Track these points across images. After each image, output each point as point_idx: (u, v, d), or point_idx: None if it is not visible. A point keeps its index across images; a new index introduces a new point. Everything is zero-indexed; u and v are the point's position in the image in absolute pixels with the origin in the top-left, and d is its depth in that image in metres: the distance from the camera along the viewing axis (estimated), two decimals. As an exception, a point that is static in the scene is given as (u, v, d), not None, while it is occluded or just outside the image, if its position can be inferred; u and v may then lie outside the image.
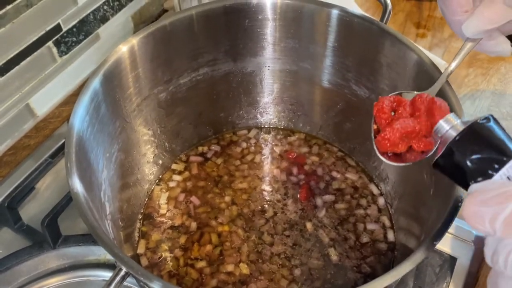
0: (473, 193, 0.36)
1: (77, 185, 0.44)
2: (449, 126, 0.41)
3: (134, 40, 0.56)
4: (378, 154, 0.47)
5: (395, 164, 0.47)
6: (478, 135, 0.38)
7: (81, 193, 0.43)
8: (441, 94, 0.53)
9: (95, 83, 0.51)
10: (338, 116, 0.72)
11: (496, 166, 0.36)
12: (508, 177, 0.36)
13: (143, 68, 0.59)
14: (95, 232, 0.40)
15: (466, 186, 0.38)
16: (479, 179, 0.37)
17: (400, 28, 1.02)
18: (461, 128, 0.39)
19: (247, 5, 0.62)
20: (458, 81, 0.93)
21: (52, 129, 0.86)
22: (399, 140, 0.45)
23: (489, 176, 0.37)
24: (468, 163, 0.38)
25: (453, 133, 0.40)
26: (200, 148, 0.76)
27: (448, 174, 0.40)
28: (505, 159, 0.36)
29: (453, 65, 0.51)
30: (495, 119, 0.39)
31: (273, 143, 0.77)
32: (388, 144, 0.45)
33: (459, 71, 0.95)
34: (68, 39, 0.86)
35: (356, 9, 1.04)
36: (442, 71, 0.94)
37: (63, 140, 0.81)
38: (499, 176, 0.36)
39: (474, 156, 0.37)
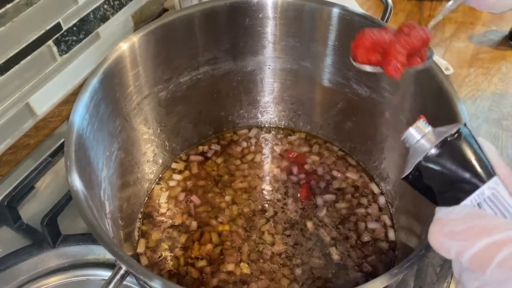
0: (440, 219, 0.34)
1: (77, 183, 0.43)
2: (420, 135, 0.36)
3: (135, 38, 0.56)
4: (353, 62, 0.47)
5: (368, 69, 0.47)
6: (449, 156, 0.35)
7: (81, 191, 0.43)
8: (443, 94, 0.53)
9: (95, 81, 0.51)
10: (339, 115, 0.72)
11: (467, 190, 0.34)
12: (478, 204, 0.34)
13: (143, 66, 0.59)
14: (95, 231, 0.40)
15: (436, 203, 0.36)
16: (448, 203, 0.35)
17: (400, 28, 1.02)
18: (432, 138, 0.36)
19: (247, 4, 0.61)
20: (459, 81, 0.93)
21: (52, 128, 0.86)
22: (371, 47, 0.45)
23: (459, 201, 0.34)
24: (438, 184, 0.35)
25: (425, 144, 0.36)
26: (200, 148, 0.76)
27: (417, 190, 0.37)
28: (476, 183, 0.34)
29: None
30: (469, 131, 0.36)
31: (273, 143, 0.77)
32: (360, 51, 0.46)
33: (460, 71, 0.95)
34: (68, 38, 0.85)
35: (357, 8, 1.04)
36: (444, 71, 0.94)
37: (63, 139, 0.81)
38: (469, 201, 0.34)
39: (444, 178, 0.35)
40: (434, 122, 0.48)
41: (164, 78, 0.64)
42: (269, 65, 0.70)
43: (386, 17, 0.60)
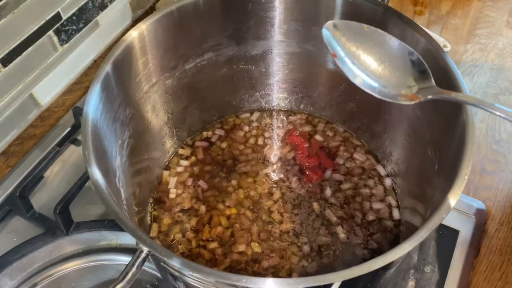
0: None
1: (97, 173, 0.45)
2: None
3: (144, 26, 0.57)
4: None
5: None
6: None
7: (100, 180, 0.44)
8: (442, 71, 0.54)
9: (107, 70, 0.52)
10: (342, 96, 0.73)
11: None
12: None
13: (151, 54, 0.60)
14: (118, 217, 0.42)
15: None
16: None
17: (397, 6, 1.02)
18: None
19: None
20: (456, 58, 0.94)
21: (57, 118, 0.87)
22: None
23: None
24: None
25: None
26: (204, 133, 0.77)
27: None
28: None
29: None
30: None
31: (276, 125, 0.78)
32: None
33: (457, 47, 0.96)
34: (68, 28, 0.86)
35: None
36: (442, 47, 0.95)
37: (68, 129, 0.82)
38: None
39: None
40: (438, 99, 0.49)
41: (171, 66, 0.64)
42: (271, 49, 0.71)
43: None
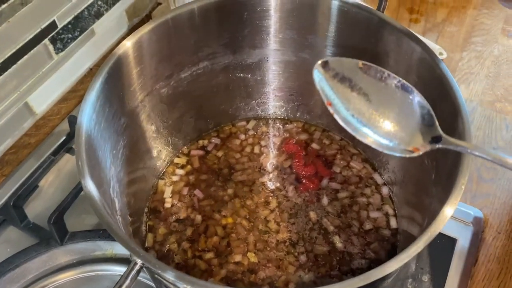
0: None
1: (90, 185, 0.44)
2: None
3: (138, 36, 0.56)
4: None
5: None
6: None
7: (94, 191, 0.44)
8: (438, 79, 0.54)
9: (101, 80, 0.52)
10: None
11: None
12: None
13: (146, 63, 0.60)
14: (111, 229, 0.41)
15: None
16: None
17: (393, 14, 1.03)
18: None
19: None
20: (452, 65, 0.95)
21: (52, 126, 0.86)
22: None
23: None
24: None
25: None
26: (200, 142, 0.76)
27: None
28: None
29: None
30: None
31: (272, 133, 0.78)
32: None
33: (453, 55, 0.96)
34: (63, 36, 0.85)
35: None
36: (437, 55, 0.95)
37: (63, 138, 0.82)
38: None
39: None
40: (434, 107, 0.49)
41: (166, 75, 0.64)
42: (267, 58, 0.71)
43: (382, 6, 0.61)
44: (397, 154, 0.48)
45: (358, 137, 0.48)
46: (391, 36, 0.59)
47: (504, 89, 0.91)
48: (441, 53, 0.94)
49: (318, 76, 0.48)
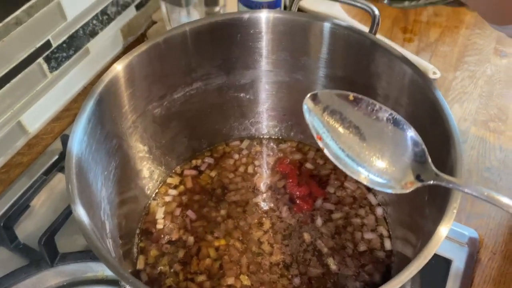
0: None
1: (80, 209, 0.44)
2: None
3: (129, 58, 0.56)
4: None
5: None
6: None
7: (84, 216, 0.43)
8: (430, 102, 0.54)
9: (92, 103, 0.51)
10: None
11: None
12: None
13: (138, 85, 0.60)
14: (101, 254, 0.41)
15: None
16: None
17: (387, 34, 1.04)
18: None
19: (239, 20, 0.62)
20: (446, 85, 0.95)
21: (45, 145, 0.86)
22: None
23: None
24: None
25: None
26: (194, 162, 0.76)
27: None
28: None
29: None
30: None
31: (266, 153, 0.78)
32: None
33: (446, 74, 0.97)
34: (58, 55, 0.86)
35: (344, 16, 1.05)
36: (430, 76, 0.95)
37: (56, 157, 0.81)
38: None
39: None
40: (425, 132, 0.49)
41: (159, 96, 0.64)
42: (261, 79, 0.71)
43: (374, 28, 0.62)
44: (388, 191, 0.47)
45: (349, 173, 0.47)
46: (383, 58, 0.59)
47: (497, 108, 0.91)
48: (434, 73, 0.94)
49: (308, 109, 0.47)
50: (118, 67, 0.55)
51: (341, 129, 0.48)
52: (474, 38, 1.04)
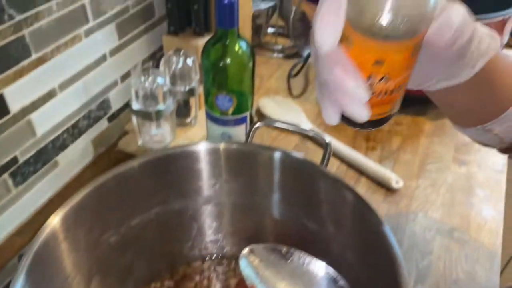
0: None
1: None
2: None
3: (85, 191, 0.57)
4: None
5: None
6: None
7: None
8: (376, 235, 0.55)
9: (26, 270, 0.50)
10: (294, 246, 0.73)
11: None
12: None
13: (91, 222, 0.60)
14: None
15: None
16: None
17: (350, 143, 1.07)
18: None
19: (195, 151, 0.65)
20: (409, 193, 0.97)
21: (5, 260, 0.83)
22: None
23: None
24: None
25: None
26: (152, 285, 0.74)
27: None
28: None
29: None
30: None
31: (227, 275, 0.76)
32: None
33: (409, 183, 0.99)
34: (24, 170, 0.86)
35: (307, 125, 1.09)
36: (393, 185, 0.96)
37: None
38: None
39: None
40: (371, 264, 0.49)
41: (114, 225, 0.64)
42: (218, 202, 0.72)
43: (326, 160, 0.64)
44: None
45: None
46: (333, 188, 0.61)
47: (460, 217, 0.92)
48: (397, 182, 0.97)
49: (244, 263, 0.50)
50: (55, 220, 0.54)
51: (276, 283, 0.48)
52: (434, 146, 1.08)
